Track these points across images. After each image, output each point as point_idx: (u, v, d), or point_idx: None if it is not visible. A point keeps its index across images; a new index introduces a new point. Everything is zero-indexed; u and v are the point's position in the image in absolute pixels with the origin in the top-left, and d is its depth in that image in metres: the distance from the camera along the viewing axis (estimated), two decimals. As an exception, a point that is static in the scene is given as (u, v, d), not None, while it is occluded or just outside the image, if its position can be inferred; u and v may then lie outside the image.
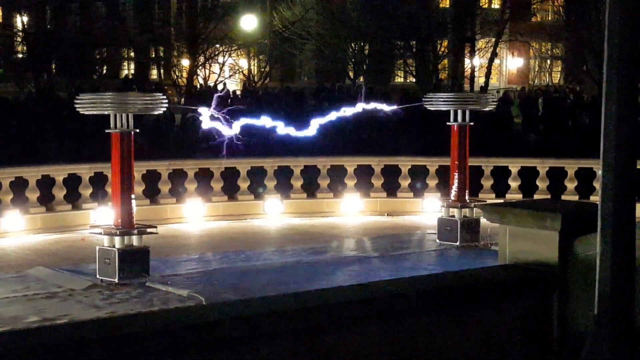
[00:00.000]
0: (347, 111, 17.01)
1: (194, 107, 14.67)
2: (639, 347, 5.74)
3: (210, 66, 44.16)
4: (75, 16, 53.02)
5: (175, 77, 42.60)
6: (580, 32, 40.80)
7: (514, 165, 19.66)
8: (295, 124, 16.29)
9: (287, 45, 48.14)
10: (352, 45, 46.88)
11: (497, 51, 46.02)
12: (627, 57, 5.52)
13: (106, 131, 13.22)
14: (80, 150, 24.59)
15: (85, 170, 17.86)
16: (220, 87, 38.70)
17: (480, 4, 46.28)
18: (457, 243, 15.94)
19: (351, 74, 47.12)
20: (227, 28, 44.48)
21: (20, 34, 50.62)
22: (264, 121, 16.04)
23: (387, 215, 19.45)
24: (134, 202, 13.29)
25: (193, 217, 18.51)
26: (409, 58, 46.42)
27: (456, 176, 16.19)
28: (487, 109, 17.12)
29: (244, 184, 19.21)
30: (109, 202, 15.68)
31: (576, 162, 19.46)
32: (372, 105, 17.35)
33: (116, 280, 12.77)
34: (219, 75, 43.67)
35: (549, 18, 53.05)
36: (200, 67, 42.88)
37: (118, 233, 12.96)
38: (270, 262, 14.66)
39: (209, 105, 15.05)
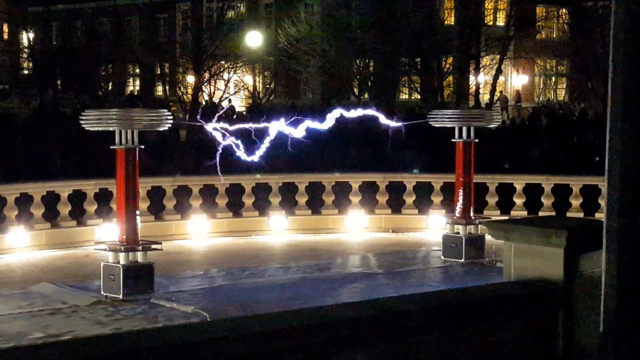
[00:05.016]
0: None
1: (201, 123, 14.65)
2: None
3: (215, 83, 44.28)
4: (81, 33, 53.30)
5: (181, 93, 42.71)
6: (585, 49, 40.84)
7: (519, 182, 19.62)
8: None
9: (292, 62, 48.28)
10: (357, 62, 46.99)
11: (502, 68, 46.09)
12: (632, 72, 5.51)
13: (111, 147, 13.23)
14: (85, 165, 24.60)
15: (90, 187, 17.87)
16: (225, 103, 38.81)
17: (485, 21, 46.41)
18: (462, 260, 15.90)
19: (356, 91, 47.20)
20: (232, 45, 44.64)
21: (26, 50, 50.91)
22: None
23: (392, 231, 19.42)
24: (138, 218, 13.29)
25: (198, 234, 18.50)
26: (414, 75, 46.53)
27: (461, 193, 16.17)
28: (492, 125, 17.13)
29: (248, 200, 19.21)
30: (113, 219, 15.69)
31: (581, 179, 19.41)
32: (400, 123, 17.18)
33: (120, 296, 12.75)
34: (224, 92, 43.79)
35: (554, 35, 53.11)
36: (205, 84, 43.01)
37: (123, 249, 12.94)
38: (275, 279, 14.64)
39: (213, 121, 15.03)
